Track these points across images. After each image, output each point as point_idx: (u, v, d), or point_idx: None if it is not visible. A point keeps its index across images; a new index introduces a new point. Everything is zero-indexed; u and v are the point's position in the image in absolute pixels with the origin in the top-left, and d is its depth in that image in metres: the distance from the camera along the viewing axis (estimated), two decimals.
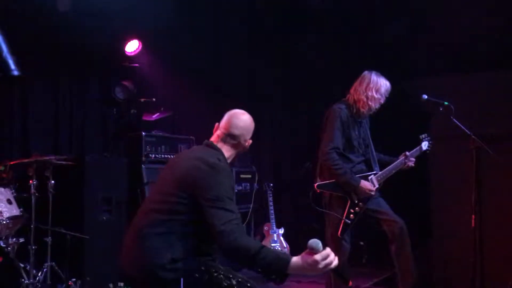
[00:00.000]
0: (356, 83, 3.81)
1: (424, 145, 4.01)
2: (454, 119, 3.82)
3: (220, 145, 2.53)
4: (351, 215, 3.67)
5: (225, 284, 2.29)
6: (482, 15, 4.61)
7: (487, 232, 4.19)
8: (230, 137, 2.53)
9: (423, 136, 4.04)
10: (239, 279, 2.34)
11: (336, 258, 2.10)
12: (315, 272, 2.08)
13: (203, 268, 2.31)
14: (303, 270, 2.09)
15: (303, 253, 2.10)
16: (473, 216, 3.85)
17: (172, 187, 2.36)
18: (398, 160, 3.86)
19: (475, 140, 3.77)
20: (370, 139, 3.86)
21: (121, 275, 2.45)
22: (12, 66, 1.65)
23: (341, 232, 3.65)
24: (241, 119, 2.56)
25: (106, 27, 4.82)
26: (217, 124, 2.61)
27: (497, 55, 4.64)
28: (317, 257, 2.04)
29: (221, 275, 2.32)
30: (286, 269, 2.09)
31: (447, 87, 4.74)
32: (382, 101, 3.77)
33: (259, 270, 2.15)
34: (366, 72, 3.81)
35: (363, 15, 5.27)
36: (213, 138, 2.57)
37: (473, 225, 3.82)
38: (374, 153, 3.86)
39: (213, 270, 2.33)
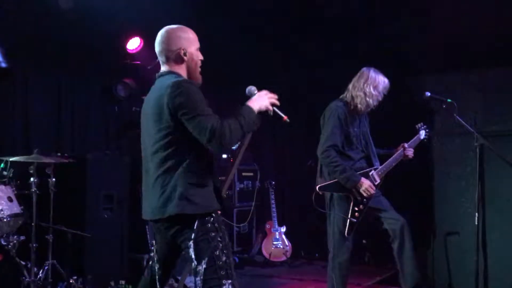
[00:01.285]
0: (354, 80, 3.78)
1: (421, 134, 3.99)
2: (457, 117, 3.79)
3: (166, 68, 2.54)
4: (356, 214, 3.65)
5: (216, 253, 2.35)
6: (487, 10, 4.58)
7: (491, 230, 4.17)
8: (162, 56, 2.54)
9: (419, 125, 4.02)
10: (227, 260, 2.38)
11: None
12: (267, 101, 2.52)
13: (216, 224, 2.39)
14: (259, 99, 2.52)
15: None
16: (476, 214, 3.83)
17: (154, 125, 2.42)
18: (397, 152, 3.85)
19: (479, 138, 3.74)
20: (370, 135, 3.83)
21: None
22: (0, 58, 1.63)
23: (347, 231, 3.63)
24: (158, 37, 2.56)
25: (108, 25, 4.80)
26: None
27: (502, 52, 4.60)
28: (261, 92, 2.56)
29: (221, 244, 2.37)
30: (252, 109, 2.46)
31: (451, 84, 4.72)
32: (380, 98, 3.74)
33: (248, 130, 2.43)
34: (364, 69, 3.79)
35: (365, 11, 5.23)
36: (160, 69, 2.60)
37: (476, 223, 3.80)
38: (374, 148, 3.84)
39: (220, 234, 2.39)
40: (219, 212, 2.48)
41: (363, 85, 3.71)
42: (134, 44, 5.30)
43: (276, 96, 2.56)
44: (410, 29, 5.07)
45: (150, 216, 2.48)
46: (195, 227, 2.35)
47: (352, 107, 3.72)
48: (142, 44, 5.32)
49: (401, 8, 5.01)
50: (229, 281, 2.34)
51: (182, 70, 2.53)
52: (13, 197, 3.83)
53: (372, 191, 3.65)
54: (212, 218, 2.39)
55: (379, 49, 5.26)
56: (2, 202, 3.72)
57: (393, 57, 5.22)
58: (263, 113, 2.51)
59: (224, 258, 2.36)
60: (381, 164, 3.80)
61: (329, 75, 5.13)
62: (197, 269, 2.34)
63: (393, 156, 3.83)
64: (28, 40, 4.39)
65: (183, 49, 2.51)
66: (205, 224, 2.36)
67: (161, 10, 4.92)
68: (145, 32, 5.31)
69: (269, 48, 5.93)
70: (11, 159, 3.86)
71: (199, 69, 2.59)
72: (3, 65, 1.63)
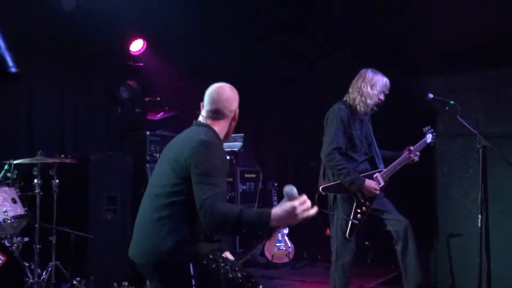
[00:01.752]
0: (353, 81, 3.80)
1: (428, 137, 3.98)
2: (460, 118, 3.78)
3: (208, 122, 2.52)
4: (358, 215, 3.65)
5: (231, 276, 2.31)
6: (489, 11, 4.57)
7: (494, 232, 4.16)
8: (214, 113, 2.52)
9: (427, 128, 4.01)
10: (244, 273, 2.36)
11: (313, 207, 2.13)
12: (295, 220, 2.10)
13: (210, 256, 2.34)
14: (285, 219, 2.10)
15: (281, 203, 2.13)
16: (479, 216, 3.82)
17: (168, 170, 2.38)
18: (403, 155, 3.84)
19: (482, 139, 3.73)
20: (373, 136, 3.83)
21: (131, 265, 2.45)
22: (10, 63, 1.64)
23: (349, 232, 3.63)
24: (219, 93, 2.54)
25: (111, 27, 4.82)
26: (202, 103, 2.60)
27: (505, 53, 4.60)
28: (295, 202, 2.07)
29: (228, 266, 2.34)
30: (269, 221, 2.09)
31: (453, 86, 4.71)
32: (381, 97, 3.74)
33: (244, 231, 2.17)
34: (363, 70, 3.80)
35: (368, 12, 5.24)
36: (200, 118, 2.58)
37: (479, 224, 3.78)
38: (378, 150, 3.83)
39: (221, 260, 2.35)
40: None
41: (361, 85, 3.72)
42: (137, 46, 5.32)
43: (311, 211, 2.12)
44: (413, 31, 5.07)
45: (139, 260, 2.39)
46: (192, 273, 2.27)
47: (353, 109, 3.72)
48: (145, 46, 5.34)
49: (403, 10, 5.01)
50: (261, 286, 2.35)
51: (222, 127, 2.52)
52: (17, 199, 3.84)
53: (376, 193, 3.65)
54: (204, 261, 2.32)
55: (382, 51, 5.26)
56: (6, 203, 3.73)
57: (396, 58, 5.22)
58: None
59: (239, 274, 2.33)
60: (385, 166, 3.80)
61: (332, 77, 5.13)
62: None
63: (399, 159, 3.82)
64: (31, 42, 4.40)
65: (236, 109, 2.56)
66: (201, 265, 2.30)
67: (164, 13, 4.94)
68: (148, 34, 5.33)
69: (273, 47, 5.94)
70: (14, 161, 3.87)
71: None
72: (13, 70, 1.63)
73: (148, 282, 4.13)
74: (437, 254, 4.88)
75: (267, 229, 2.14)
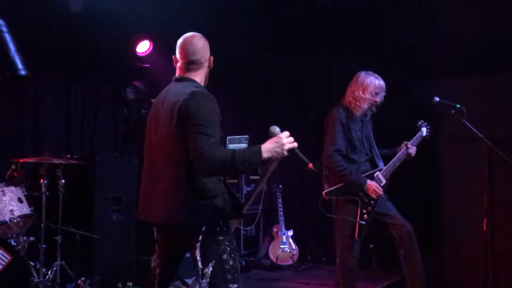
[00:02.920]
0: (349, 84, 3.83)
1: (423, 131, 3.98)
2: (466, 122, 3.78)
3: (187, 74, 2.53)
4: (365, 216, 3.66)
5: (224, 257, 2.36)
6: (497, 16, 4.56)
7: (499, 236, 4.14)
8: (192, 63, 2.53)
9: (421, 122, 4.01)
10: (235, 265, 2.39)
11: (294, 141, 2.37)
12: (282, 150, 2.33)
13: (225, 228, 2.39)
14: (274, 148, 2.32)
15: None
16: (484, 220, 3.81)
17: (166, 129, 2.40)
18: (401, 152, 3.85)
19: (487, 144, 3.72)
20: (373, 138, 3.85)
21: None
22: (20, 66, 1.66)
23: (358, 234, 3.63)
24: (194, 43, 2.54)
25: (117, 28, 4.84)
26: (174, 56, 2.60)
27: (511, 57, 4.58)
28: (281, 134, 2.36)
29: (228, 248, 2.38)
30: (261, 153, 2.29)
31: (460, 90, 4.70)
32: (376, 99, 3.75)
33: (240, 168, 2.27)
34: (358, 73, 3.83)
35: (375, 16, 5.24)
36: (178, 72, 2.57)
37: (485, 228, 3.77)
38: (377, 150, 3.85)
39: (228, 238, 2.39)
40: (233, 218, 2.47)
41: (354, 89, 3.77)
42: (143, 47, 5.33)
43: (295, 143, 2.38)
44: (420, 35, 5.06)
45: (157, 220, 2.46)
46: (202, 230, 2.35)
47: (350, 111, 3.75)
48: (151, 47, 5.36)
49: (411, 15, 5.01)
50: (235, 285, 2.36)
51: (200, 77, 2.54)
52: (23, 198, 3.87)
53: (380, 192, 3.66)
54: (220, 222, 2.39)
55: (389, 55, 5.25)
56: (13, 203, 3.76)
57: (403, 62, 5.21)
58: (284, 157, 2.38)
59: (231, 262, 2.37)
60: (385, 165, 3.82)
61: (340, 80, 5.11)
62: (204, 272, 2.34)
63: (397, 156, 3.84)
64: (38, 42, 4.43)
65: (211, 58, 2.59)
66: (213, 228, 2.36)
67: (171, 14, 4.95)
68: (155, 35, 5.34)
69: (280, 47, 5.94)
70: (21, 161, 3.90)
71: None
72: (23, 72, 1.65)
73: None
74: (441, 258, 4.87)
75: (260, 160, 2.30)
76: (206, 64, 2.56)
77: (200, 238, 2.34)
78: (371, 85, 3.73)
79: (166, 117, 2.40)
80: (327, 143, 3.71)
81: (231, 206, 2.42)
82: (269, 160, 2.36)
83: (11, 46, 1.68)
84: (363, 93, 3.73)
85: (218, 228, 2.37)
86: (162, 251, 2.57)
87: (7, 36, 1.68)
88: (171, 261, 2.58)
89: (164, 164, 2.41)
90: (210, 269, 2.33)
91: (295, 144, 2.38)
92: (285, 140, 2.34)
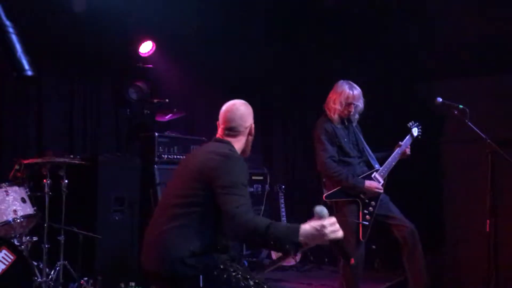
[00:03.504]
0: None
1: (414, 131, 4.02)
2: (469, 123, 3.77)
3: (226, 138, 2.58)
4: (367, 216, 3.67)
5: (243, 284, 2.30)
6: (498, 16, 4.56)
7: (502, 237, 4.14)
8: (230, 130, 2.58)
9: (411, 124, 4.06)
10: (256, 280, 2.36)
11: (340, 230, 2.15)
12: (323, 240, 2.12)
13: (221, 266, 2.34)
14: (313, 237, 2.12)
15: (310, 221, 2.16)
16: (487, 221, 3.80)
17: (188, 180, 2.41)
18: (395, 152, 3.90)
19: (491, 144, 3.72)
20: (364, 142, 3.88)
21: (143, 272, 2.45)
22: (26, 66, 1.67)
23: (362, 235, 3.65)
24: (233, 111, 2.59)
25: (120, 28, 4.85)
26: (217, 121, 2.66)
27: None
28: (325, 222, 2.12)
29: (239, 275, 2.33)
30: (297, 236, 2.11)
31: (463, 90, 4.70)
32: (350, 109, 3.80)
33: (272, 243, 2.16)
34: (336, 83, 3.89)
35: (377, 17, 5.24)
36: (218, 135, 2.63)
37: (487, 229, 3.77)
38: (371, 152, 3.87)
39: (231, 270, 2.34)
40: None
41: (329, 98, 3.87)
42: (146, 47, 5.34)
43: (339, 233, 2.14)
44: (422, 36, 5.06)
45: (151, 268, 2.39)
46: (201, 285, 2.28)
47: (333, 119, 3.81)
48: (154, 47, 5.36)
49: (412, 15, 5.01)
50: None
51: (239, 143, 2.58)
52: (26, 198, 3.87)
53: (380, 190, 3.68)
54: (215, 271, 2.31)
55: (391, 56, 5.25)
56: (16, 203, 3.76)
57: (405, 63, 5.21)
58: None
59: (251, 282, 2.32)
60: (381, 166, 3.84)
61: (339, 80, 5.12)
62: None
63: (392, 156, 3.88)
64: (41, 43, 4.44)
65: (252, 126, 2.62)
66: (212, 276, 2.30)
67: (174, 15, 4.96)
68: (158, 35, 5.35)
69: (282, 49, 5.94)
70: (24, 161, 3.91)
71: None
72: (30, 73, 1.67)
73: None
74: (444, 258, 4.87)
75: (295, 245, 2.13)
76: (246, 131, 2.60)
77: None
78: (342, 95, 3.80)
79: (192, 170, 2.42)
80: (319, 153, 3.77)
81: (221, 254, 2.38)
82: (304, 245, 2.17)
83: (18, 47, 1.69)
84: (334, 103, 3.82)
85: (215, 272, 2.31)
86: None
87: (14, 38, 1.69)
88: None
89: (169, 211, 2.39)
90: None
91: (340, 235, 2.14)
92: (329, 230, 2.11)
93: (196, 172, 2.39)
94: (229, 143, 2.54)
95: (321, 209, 2.14)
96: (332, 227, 2.12)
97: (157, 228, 2.40)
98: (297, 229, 2.12)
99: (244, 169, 2.38)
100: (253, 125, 2.63)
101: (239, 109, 2.60)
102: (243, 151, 2.60)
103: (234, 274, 2.33)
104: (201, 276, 2.27)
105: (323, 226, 2.10)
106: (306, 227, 2.13)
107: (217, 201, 2.27)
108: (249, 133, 2.62)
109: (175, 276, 2.29)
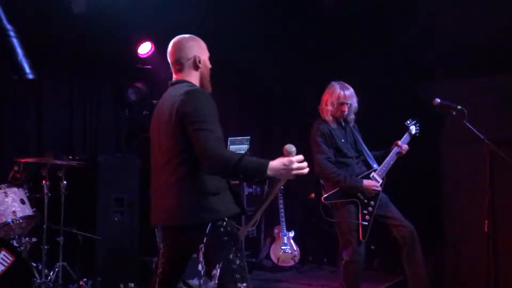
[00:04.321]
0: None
1: (412, 129, 4.04)
2: (467, 123, 3.78)
3: (179, 76, 2.56)
4: (366, 217, 3.68)
5: (230, 257, 2.35)
6: (498, 17, 4.56)
7: (501, 237, 4.14)
8: (174, 65, 2.58)
9: (409, 122, 4.07)
10: (241, 264, 2.38)
11: (307, 167, 2.28)
12: (289, 174, 2.26)
13: (228, 228, 2.38)
14: (281, 170, 2.27)
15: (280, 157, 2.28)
16: (486, 221, 3.81)
17: (168, 132, 2.42)
18: (393, 151, 3.90)
19: (489, 145, 3.73)
20: (362, 142, 3.88)
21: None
22: (27, 70, 1.68)
23: (362, 236, 3.65)
24: (171, 45, 2.60)
25: (119, 29, 4.86)
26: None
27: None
28: (293, 158, 2.27)
29: (234, 247, 2.37)
30: (266, 169, 2.25)
31: (461, 90, 4.70)
32: (343, 109, 3.80)
33: (242, 176, 2.29)
34: (329, 83, 3.90)
35: (377, 17, 5.24)
36: (173, 76, 2.62)
37: (486, 230, 3.78)
38: (369, 152, 3.89)
39: (233, 238, 2.38)
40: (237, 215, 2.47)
41: (321, 101, 3.88)
42: (145, 48, 5.34)
43: (305, 170, 2.29)
44: (421, 36, 5.07)
45: (164, 222, 2.49)
46: (207, 231, 2.35)
47: (328, 121, 3.82)
48: (153, 48, 5.37)
49: (412, 15, 5.01)
50: (244, 284, 2.37)
51: (194, 79, 2.56)
52: (26, 199, 3.88)
53: (378, 189, 3.69)
54: (224, 223, 2.38)
55: (389, 56, 5.26)
56: (15, 204, 3.77)
57: (404, 63, 5.22)
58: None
59: (238, 262, 2.37)
60: (379, 165, 3.85)
61: (342, 80, 5.14)
62: (212, 273, 2.34)
63: (390, 155, 3.89)
64: (40, 44, 4.44)
65: (197, 57, 2.56)
66: (217, 229, 2.36)
67: (173, 16, 4.96)
68: (157, 36, 5.35)
69: (282, 48, 5.94)
70: (24, 162, 3.91)
71: (209, 78, 2.64)
72: (31, 76, 1.68)
73: None
74: (443, 259, 4.87)
75: (263, 177, 2.27)
76: (191, 63, 2.55)
77: (204, 239, 2.34)
78: (333, 95, 3.81)
79: (166, 120, 2.43)
80: (316, 154, 3.77)
81: (234, 203, 2.43)
82: (274, 178, 2.31)
83: (19, 50, 1.70)
84: (326, 104, 3.83)
85: (222, 229, 2.37)
86: (168, 254, 2.56)
87: (15, 41, 1.70)
88: (177, 264, 2.57)
89: (165, 167, 2.44)
90: (218, 270, 2.33)
91: (306, 171, 2.29)
92: (296, 165, 2.27)
93: (168, 122, 2.40)
94: (184, 81, 2.53)
95: (290, 146, 2.30)
96: (299, 163, 2.27)
97: (163, 186, 2.43)
98: (267, 163, 2.26)
99: (208, 101, 2.38)
100: (201, 58, 2.57)
101: (177, 43, 2.59)
102: (201, 85, 2.57)
103: (232, 243, 2.38)
104: (210, 224, 2.33)
105: (291, 162, 2.26)
106: (275, 162, 2.27)
107: (190, 139, 2.30)
108: (197, 66, 2.55)
109: (189, 225, 2.35)
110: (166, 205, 2.42)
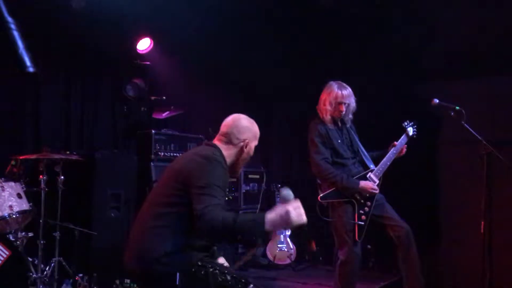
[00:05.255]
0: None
1: (409, 131, 4.04)
2: (465, 124, 3.79)
3: (218, 144, 2.59)
4: (362, 217, 3.69)
5: (220, 279, 2.34)
6: (497, 19, 4.58)
7: (497, 238, 4.16)
8: (223, 136, 2.59)
9: (406, 123, 4.07)
10: (234, 275, 2.39)
11: (304, 214, 2.19)
12: (289, 225, 2.17)
13: (199, 263, 2.37)
14: (279, 223, 2.17)
15: (276, 207, 2.21)
16: (482, 222, 3.82)
17: (169, 180, 2.44)
18: (390, 152, 3.91)
19: (486, 146, 3.74)
20: (359, 142, 3.89)
21: (124, 269, 2.47)
22: (28, 63, 1.68)
23: (358, 235, 3.66)
24: (232, 119, 2.62)
25: (118, 25, 4.84)
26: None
27: (510, 60, 4.60)
28: (289, 207, 2.16)
29: (217, 271, 2.37)
30: (264, 225, 2.15)
31: (459, 91, 4.72)
32: (341, 109, 3.80)
33: (240, 237, 2.22)
34: (327, 83, 3.91)
35: (376, 18, 5.25)
36: (213, 140, 2.65)
37: (482, 231, 3.79)
38: (366, 152, 3.89)
39: (209, 266, 2.38)
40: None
41: (319, 101, 3.88)
42: (144, 44, 5.33)
43: (304, 218, 2.20)
44: (420, 37, 5.08)
45: (131, 267, 2.42)
46: (177, 283, 2.30)
47: (325, 122, 3.82)
48: (152, 44, 5.36)
49: (411, 16, 5.02)
50: (251, 285, 2.37)
51: (228, 152, 2.56)
52: (22, 194, 3.86)
53: (375, 191, 3.69)
54: (193, 268, 2.34)
55: (388, 56, 5.27)
56: (12, 198, 3.75)
57: (402, 64, 5.23)
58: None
59: (229, 277, 2.36)
60: (376, 166, 3.86)
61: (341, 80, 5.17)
62: None
63: (387, 156, 3.90)
64: (38, 39, 4.42)
65: (247, 142, 2.59)
66: (189, 274, 2.32)
67: (172, 12, 4.95)
68: (156, 33, 5.34)
69: (281, 47, 5.94)
70: (21, 157, 3.90)
71: (243, 165, 2.66)
72: (31, 69, 1.68)
73: None
74: (439, 259, 4.89)
75: (262, 233, 2.18)
76: (239, 144, 2.56)
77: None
78: (331, 95, 3.82)
79: (176, 170, 2.45)
80: (313, 155, 3.78)
81: (199, 253, 2.40)
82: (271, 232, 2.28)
83: (20, 43, 1.69)
84: (324, 104, 3.84)
85: (193, 269, 2.33)
86: None
87: (16, 34, 1.70)
88: None
89: (148, 210, 2.45)
90: None
91: (304, 220, 2.18)
92: (293, 215, 2.16)
93: (177, 172, 2.42)
94: (216, 147, 2.54)
95: (287, 192, 2.24)
96: (296, 211, 2.16)
97: (140, 227, 2.44)
98: (263, 218, 2.16)
99: (223, 173, 2.38)
100: (250, 144, 2.59)
101: (239, 119, 2.62)
102: (232, 165, 2.57)
103: (211, 270, 2.36)
104: (177, 274, 2.29)
105: (288, 212, 2.15)
106: (272, 215, 2.17)
107: (191, 201, 2.29)
108: (242, 149, 2.57)
109: (152, 274, 2.32)
110: (134, 250, 2.39)
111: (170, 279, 2.30)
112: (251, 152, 2.62)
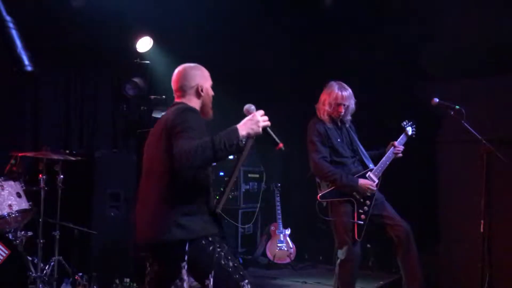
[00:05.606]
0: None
1: (408, 130, 4.03)
2: (465, 124, 3.79)
3: (179, 101, 2.64)
4: (362, 216, 3.68)
5: (223, 263, 2.39)
6: (497, 18, 4.57)
7: (496, 238, 4.16)
8: (178, 91, 2.66)
9: (405, 123, 4.06)
10: (236, 264, 2.43)
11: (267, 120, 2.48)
12: (257, 126, 2.41)
13: (210, 239, 2.41)
14: (249, 125, 2.41)
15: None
16: (482, 221, 3.82)
17: (156, 145, 2.48)
18: (389, 151, 3.90)
19: (486, 145, 3.74)
20: (358, 141, 3.89)
21: (137, 244, 2.51)
22: (26, 62, 1.68)
23: (357, 234, 3.65)
24: (175, 74, 2.69)
25: (118, 24, 4.84)
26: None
27: (509, 59, 4.59)
28: (255, 112, 2.47)
29: (223, 253, 2.41)
30: (238, 132, 2.36)
31: (459, 91, 4.71)
32: (340, 110, 3.79)
33: (221, 150, 2.29)
34: (328, 83, 3.91)
35: (377, 18, 5.24)
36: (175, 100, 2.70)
37: (482, 230, 3.79)
38: (365, 152, 3.89)
39: (218, 246, 2.41)
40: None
41: (319, 100, 3.88)
42: (144, 43, 5.33)
43: (268, 122, 2.49)
44: (420, 36, 5.07)
45: (142, 240, 2.48)
46: (186, 250, 2.35)
47: (324, 120, 3.82)
48: (152, 43, 5.35)
49: (411, 15, 5.01)
50: (246, 281, 2.40)
51: (196, 105, 2.63)
52: (22, 193, 3.87)
53: (373, 189, 3.69)
54: (203, 240, 2.39)
55: (389, 56, 5.26)
56: (11, 197, 3.76)
57: (403, 64, 5.22)
58: (253, 137, 2.45)
59: (231, 264, 2.40)
60: (375, 165, 3.85)
61: (342, 79, 5.16)
62: (205, 284, 2.35)
63: (386, 155, 3.89)
64: (38, 38, 4.42)
65: (200, 85, 2.65)
66: (197, 245, 2.37)
67: (172, 11, 4.95)
68: (155, 32, 5.34)
69: (281, 46, 5.93)
70: (20, 155, 3.90)
71: (211, 105, 2.70)
72: (29, 68, 1.69)
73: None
74: (439, 258, 4.89)
75: (238, 138, 2.35)
76: (193, 91, 2.63)
77: (186, 258, 2.35)
78: (331, 95, 3.81)
79: (156, 134, 2.51)
80: (312, 153, 3.78)
81: (212, 223, 2.45)
82: (247, 138, 2.41)
83: (18, 42, 1.70)
84: (324, 104, 3.84)
85: (203, 242, 2.39)
86: (152, 274, 2.54)
87: (14, 33, 1.70)
88: (164, 283, 2.53)
89: (148, 180, 2.49)
90: (211, 279, 2.34)
91: (268, 123, 2.47)
92: (260, 118, 2.43)
93: (159, 136, 2.46)
94: (182, 103, 2.61)
95: (249, 106, 2.51)
96: (262, 116, 2.45)
97: (145, 200, 2.47)
98: (234, 127, 2.38)
99: (199, 118, 2.47)
100: (205, 86, 2.66)
101: (183, 70, 2.69)
102: (202, 111, 2.64)
103: (219, 250, 2.40)
104: (187, 242, 2.35)
105: (254, 115, 2.44)
106: (241, 123, 2.41)
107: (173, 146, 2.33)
108: (199, 94, 2.64)
109: (167, 241, 2.35)
110: (144, 223, 2.44)
111: (182, 247, 2.34)
112: (210, 92, 2.69)
